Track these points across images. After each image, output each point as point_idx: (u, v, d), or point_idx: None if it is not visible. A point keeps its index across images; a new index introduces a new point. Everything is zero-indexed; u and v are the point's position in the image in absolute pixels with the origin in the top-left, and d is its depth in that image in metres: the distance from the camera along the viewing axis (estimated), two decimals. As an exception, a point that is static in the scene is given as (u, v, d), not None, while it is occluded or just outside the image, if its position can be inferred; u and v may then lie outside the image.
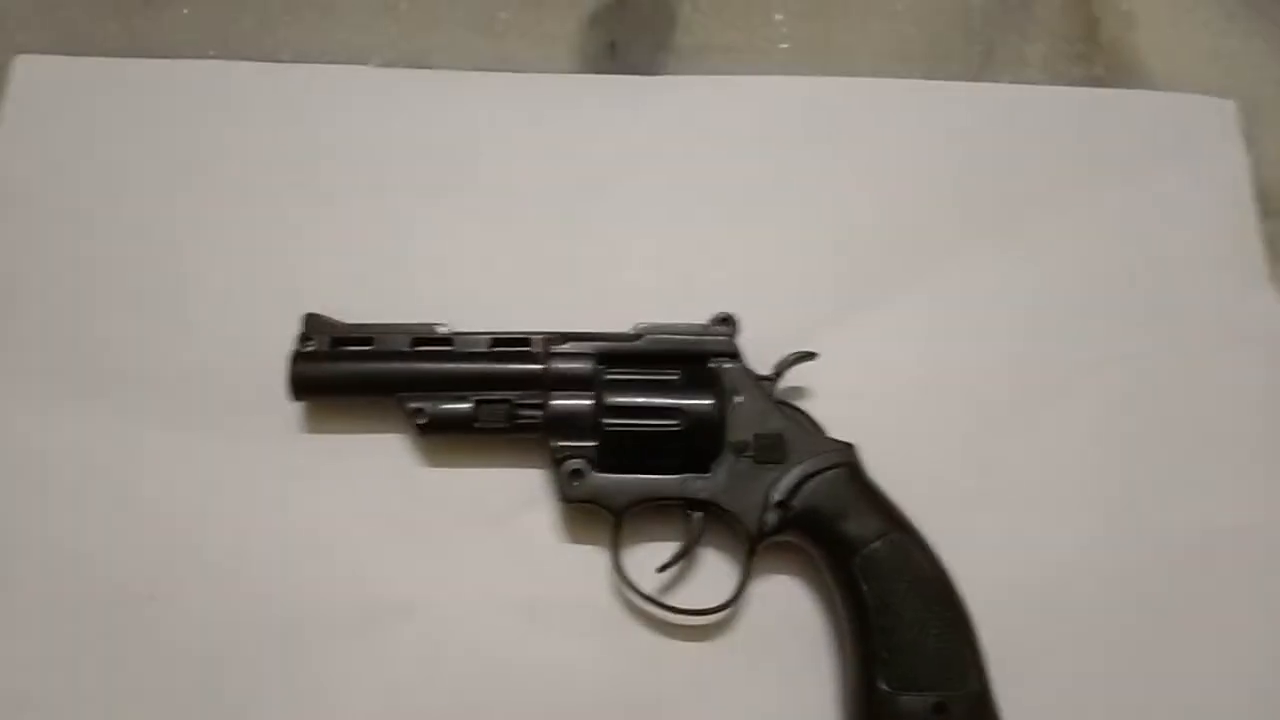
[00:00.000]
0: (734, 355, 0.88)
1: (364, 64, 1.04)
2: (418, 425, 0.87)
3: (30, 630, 0.85)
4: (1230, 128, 1.04)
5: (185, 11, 1.05)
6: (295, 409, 0.91)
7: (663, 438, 0.85)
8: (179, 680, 0.85)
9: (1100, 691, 0.87)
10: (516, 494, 0.90)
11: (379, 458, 0.90)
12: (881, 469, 0.87)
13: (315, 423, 0.91)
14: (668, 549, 0.87)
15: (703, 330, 0.89)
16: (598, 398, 0.86)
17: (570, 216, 0.99)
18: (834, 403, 0.92)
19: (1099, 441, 0.95)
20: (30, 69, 1.01)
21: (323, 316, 0.89)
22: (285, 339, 0.88)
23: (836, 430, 0.87)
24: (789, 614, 0.87)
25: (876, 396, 0.94)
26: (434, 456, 0.91)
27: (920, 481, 0.87)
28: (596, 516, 0.87)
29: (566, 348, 0.88)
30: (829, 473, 0.85)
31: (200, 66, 1.02)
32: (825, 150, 1.02)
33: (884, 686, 0.79)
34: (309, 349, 0.88)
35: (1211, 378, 0.97)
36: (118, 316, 0.94)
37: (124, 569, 0.87)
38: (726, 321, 0.90)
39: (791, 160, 1.02)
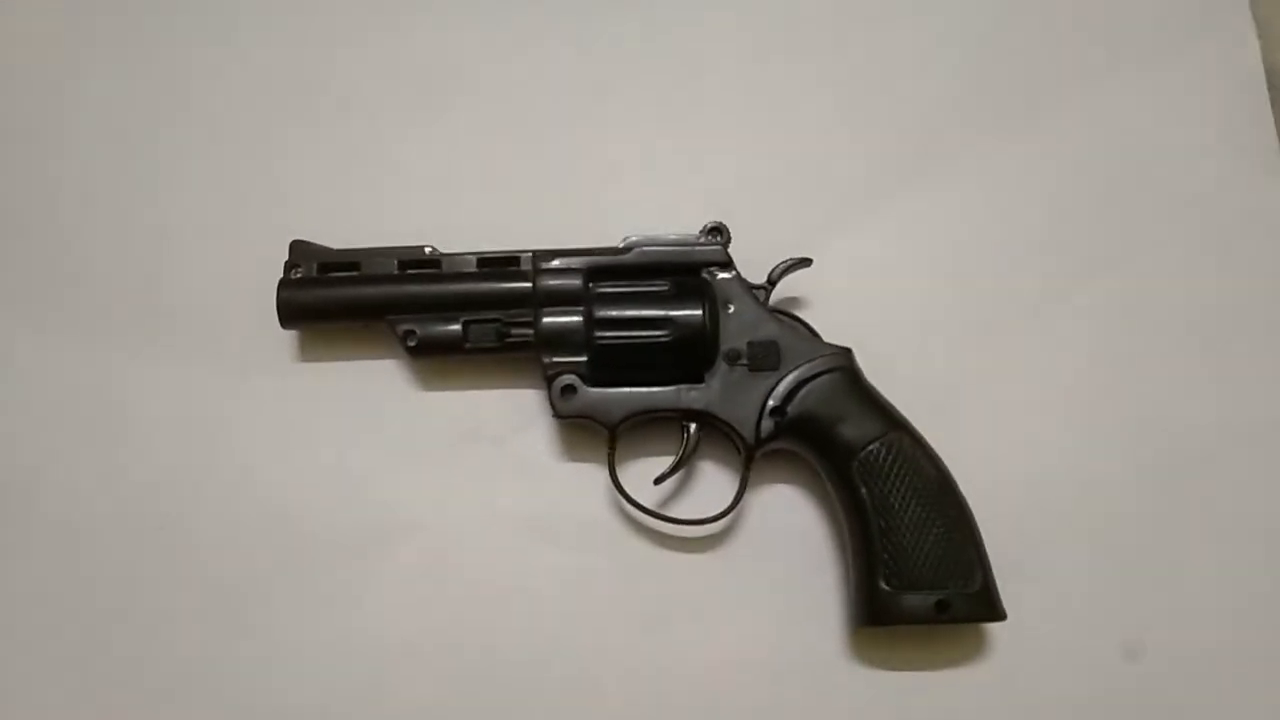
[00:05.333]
0: (726, 264, 0.87)
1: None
2: (409, 347, 0.86)
3: (41, 564, 0.87)
4: (1241, 9, 0.99)
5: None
6: (289, 338, 0.91)
7: (654, 349, 0.83)
8: (189, 606, 0.86)
9: (1104, 587, 0.86)
10: (512, 414, 0.89)
11: (374, 383, 0.90)
12: (882, 374, 0.85)
13: (309, 351, 0.91)
14: (665, 463, 0.86)
15: (694, 241, 0.87)
16: (587, 312, 0.84)
17: (555, 132, 0.97)
18: (832, 309, 0.90)
19: (1108, 341, 0.92)
20: (11, 5, 1.00)
21: (309, 243, 0.89)
22: (276, 268, 0.88)
23: (835, 336, 0.86)
24: (789, 522, 0.87)
25: (875, 302, 0.92)
26: (428, 380, 0.90)
27: (922, 385, 0.86)
28: (592, 432, 0.86)
29: (555, 264, 0.87)
30: (825, 377, 0.83)
31: (181, -1, 1.02)
32: (817, 51, 0.99)
33: (886, 586, 0.79)
34: (296, 276, 0.87)
35: (1228, 269, 0.94)
36: (108, 251, 0.94)
37: (130, 500, 0.88)
38: (718, 231, 0.88)
39: (782, 63, 0.99)
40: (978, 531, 0.81)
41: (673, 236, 0.87)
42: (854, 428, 0.82)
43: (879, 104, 0.98)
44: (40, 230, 0.95)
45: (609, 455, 0.85)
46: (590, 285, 0.86)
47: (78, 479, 0.88)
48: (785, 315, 0.87)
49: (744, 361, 0.84)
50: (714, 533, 0.86)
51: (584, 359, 0.84)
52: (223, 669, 0.84)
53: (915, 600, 0.78)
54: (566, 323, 0.85)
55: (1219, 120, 0.97)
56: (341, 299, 0.87)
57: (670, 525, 0.85)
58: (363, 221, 0.92)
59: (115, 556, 0.87)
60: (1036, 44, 0.99)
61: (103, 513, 0.88)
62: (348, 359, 0.91)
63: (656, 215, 0.90)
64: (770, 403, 0.83)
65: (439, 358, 0.87)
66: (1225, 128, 0.97)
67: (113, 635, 0.85)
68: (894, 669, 0.84)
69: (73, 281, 0.93)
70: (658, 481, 0.85)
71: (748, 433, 0.83)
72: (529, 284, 0.86)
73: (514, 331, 0.86)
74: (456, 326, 0.86)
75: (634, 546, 0.87)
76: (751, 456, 0.84)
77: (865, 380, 0.84)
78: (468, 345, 0.86)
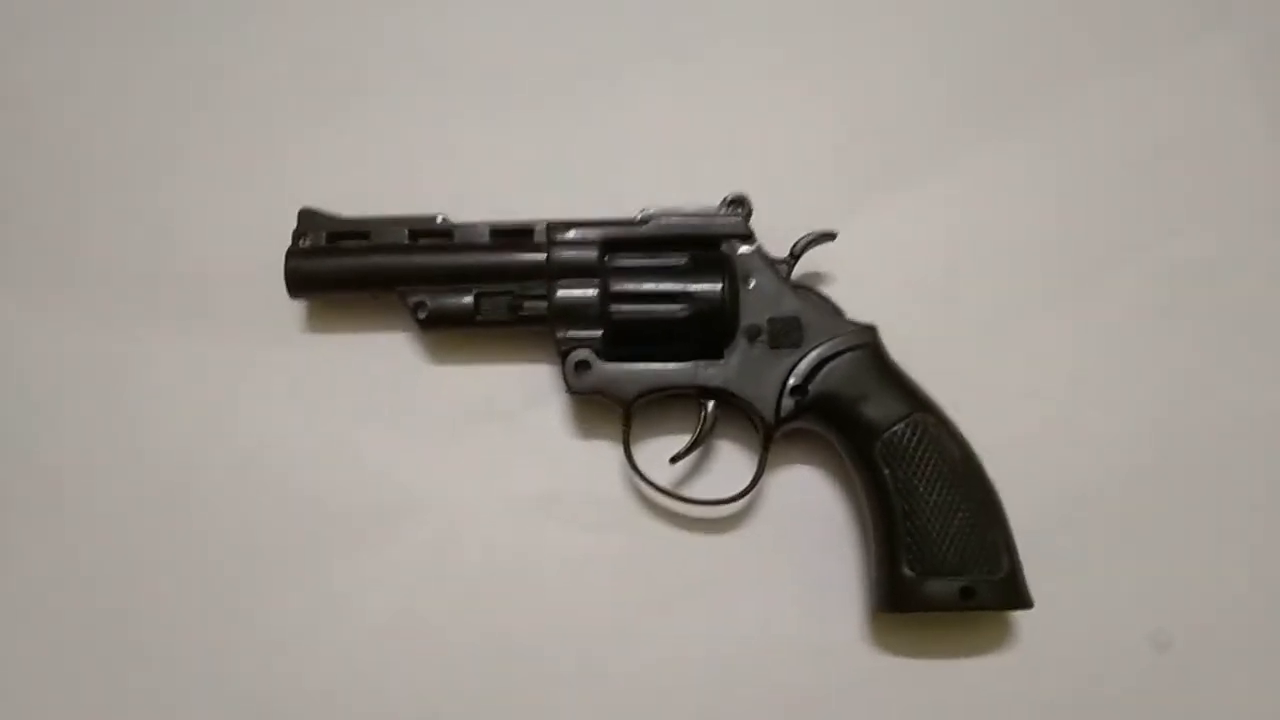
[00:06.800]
0: (747, 237, 0.84)
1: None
2: (419, 320, 0.84)
3: (46, 542, 0.85)
4: (1259, 1, 0.95)
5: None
6: (296, 309, 0.89)
7: (671, 324, 0.81)
8: (197, 583, 0.84)
9: (1132, 575, 0.84)
10: (525, 389, 0.87)
11: (383, 356, 0.88)
12: (907, 353, 0.82)
13: (317, 322, 0.89)
14: (681, 440, 0.83)
15: (714, 213, 0.85)
16: (603, 285, 0.82)
17: (573, 101, 0.94)
18: (856, 285, 0.88)
19: (1139, 322, 0.89)
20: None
21: (318, 211, 0.86)
22: (285, 237, 0.86)
23: (859, 313, 0.83)
24: (808, 503, 0.85)
25: (902, 278, 0.90)
26: (439, 354, 0.88)
27: (948, 366, 0.84)
28: (606, 409, 0.84)
29: (570, 235, 0.84)
30: (848, 355, 0.81)
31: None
32: (846, 23, 0.96)
33: (909, 572, 0.77)
34: (304, 244, 0.85)
35: (1253, 255, 0.90)
36: (117, 223, 0.92)
37: (137, 476, 0.87)
38: (739, 203, 0.85)
39: (809, 35, 0.96)
40: (1004, 516, 0.79)
41: (692, 208, 0.85)
42: (878, 408, 0.79)
43: (905, 79, 0.95)
44: (48, 201, 0.93)
45: (624, 433, 0.83)
46: (606, 258, 0.83)
47: (84, 453, 0.87)
48: (808, 291, 0.84)
49: (764, 338, 0.82)
50: (731, 514, 0.84)
51: (599, 333, 0.82)
52: (232, 645, 0.83)
53: (939, 586, 0.76)
54: (581, 296, 0.82)
55: (1247, 107, 0.93)
56: (350, 269, 0.85)
57: (686, 505, 0.83)
58: (374, 190, 0.90)
59: (122, 532, 0.86)
60: (1063, 29, 0.96)
61: (109, 487, 0.86)
62: (357, 331, 0.89)
63: (676, 186, 0.88)
64: (791, 381, 0.81)
65: (450, 330, 0.85)
66: (1254, 115, 0.93)
67: (122, 611, 0.84)
68: (915, 656, 0.82)
69: (79, 252, 0.91)
70: (674, 460, 0.83)
71: (767, 411, 0.81)
72: (543, 255, 0.83)
73: (527, 304, 0.84)
74: (468, 299, 0.84)
75: (649, 526, 0.85)
76: (771, 436, 0.82)
77: (890, 359, 0.82)
78: (479, 318, 0.84)
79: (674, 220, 0.84)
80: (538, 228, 0.85)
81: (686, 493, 0.83)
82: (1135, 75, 0.94)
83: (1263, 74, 0.94)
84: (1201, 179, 0.92)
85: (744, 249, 0.84)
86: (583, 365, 0.82)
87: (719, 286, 0.81)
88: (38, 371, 0.89)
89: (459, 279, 0.84)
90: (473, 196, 0.88)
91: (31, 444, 0.88)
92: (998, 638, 0.82)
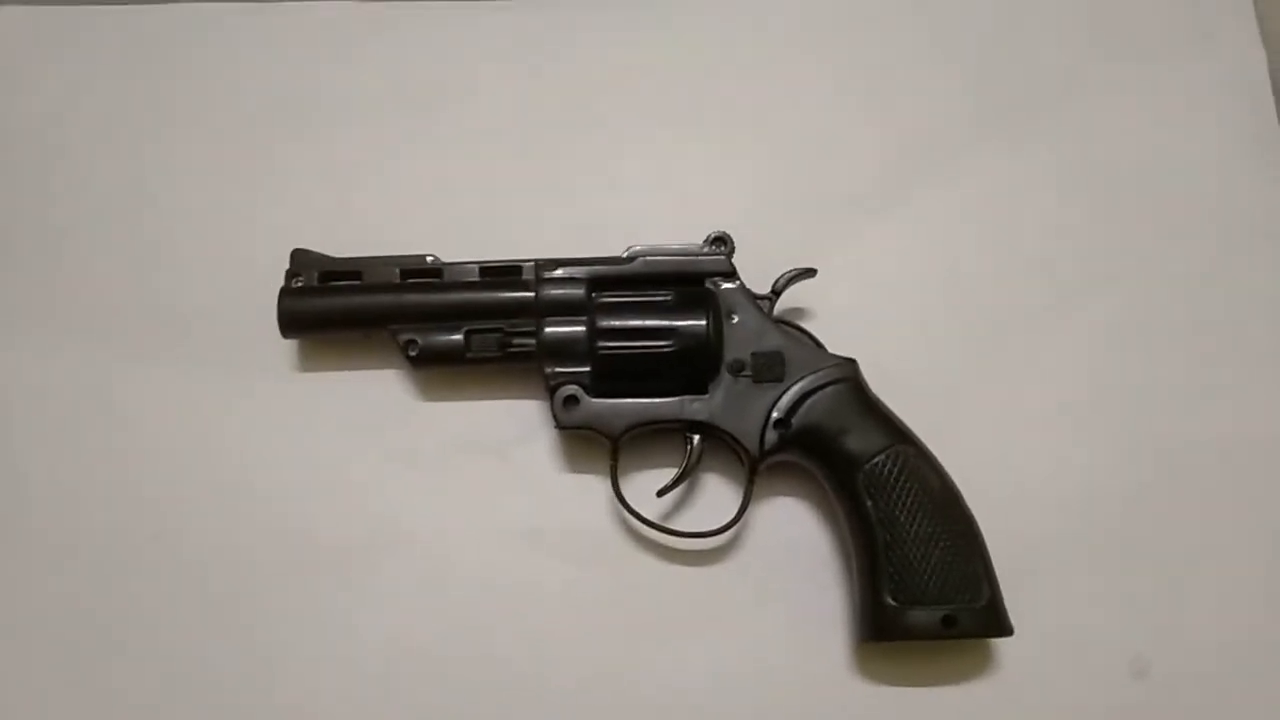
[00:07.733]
0: (730, 274, 0.86)
1: (347, -1, 1.03)
2: (410, 357, 0.85)
3: (38, 572, 0.86)
4: (1245, 16, 0.99)
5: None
6: (289, 347, 0.90)
7: (657, 359, 0.83)
8: (187, 616, 0.85)
9: (1111, 603, 0.85)
10: (514, 425, 0.89)
11: (375, 393, 0.90)
12: (887, 386, 0.84)
13: (310, 360, 0.90)
14: (668, 474, 0.85)
15: (697, 251, 0.87)
16: (590, 322, 0.84)
17: (558, 141, 0.96)
18: (836, 321, 0.90)
19: (1115, 352, 0.91)
20: (12, 19, 1.00)
21: (310, 251, 0.88)
22: (277, 276, 0.87)
23: (840, 347, 0.85)
24: (793, 535, 0.86)
25: (880, 313, 0.92)
26: (429, 390, 0.90)
27: (927, 397, 0.86)
28: (594, 443, 0.85)
29: (558, 273, 0.86)
30: (830, 389, 0.83)
31: (183, 9, 1.01)
32: (821, 63, 0.99)
33: (891, 601, 0.78)
34: (297, 284, 0.87)
35: (1232, 280, 0.93)
36: (111, 260, 0.93)
37: (126, 509, 0.87)
38: (722, 241, 0.87)
39: (785, 75, 0.99)
40: (984, 545, 0.80)
41: (676, 246, 0.87)
42: (859, 440, 0.81)
43: (882, 116, 0.98)
44: (42, 239, 0.94)
45: (611, 467, 0.84)
46: (593, 295, 0.85)
47: (76, 487, 0.88)
48: (790, 326, 0.86)
49: (748, 372, 0.84)
50: (717, 546, 0.86)
51: (586, 369, 0.84)
52: (218, 679, 0.84)
53: (921, 615, 0.78)
54: (569, 333, 0.84)
55: (1224, 129, 0.97)
56: (343, 308, 0.86)
57: (673, 538, 0.84)
58: (365, 230, 0.91)
59: (112, 565, 0.86)
60: (1038, 56, 0.99)
61: (101, 521, 0.87)
62: (349, 369, 0.90)
63: (660, 225, 0.90)
64: (774, 414, 0.83)
65: (440, 368, 0.87)
66: (1231, 137, 0.96)
67: (109, 643, 0.84)
68: (899, 685, 0.83)
69: (74, 290, 0.93)
70: (661, 494, 0.84)
71: (751, 444, 0.83)
72: (531, 293, 0.85)
73: (516, 341, 0.85)
74: (458, 336, 0.85)
75: (636, 560, 0.86)
76: (755, 469, 0.83)
77: (870, 392, 0.84)
78: (469, 355, 0.85)
79: (659, 258, 0.86)
80: (526, 266, 0.87)
81: (673, 526, 0.85)
82: (1120, 96, 0.98)
83: (1248, 94, 0.97)
84: (1186, 200, 0.95)
85: (727, 286, 0.86)
86: (571, 400, 0.84)
87: (703, 322, 0.83)
88: (27, 406, 0.90)
89: (449, 317, 0.86)
90: (462, 236, 0.90)
91: (20, 478, 0.88)
92: (980, 665, 0.83)
